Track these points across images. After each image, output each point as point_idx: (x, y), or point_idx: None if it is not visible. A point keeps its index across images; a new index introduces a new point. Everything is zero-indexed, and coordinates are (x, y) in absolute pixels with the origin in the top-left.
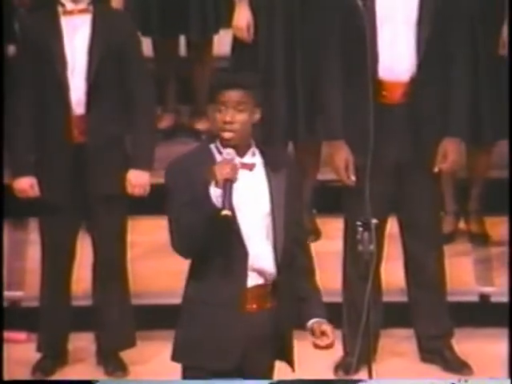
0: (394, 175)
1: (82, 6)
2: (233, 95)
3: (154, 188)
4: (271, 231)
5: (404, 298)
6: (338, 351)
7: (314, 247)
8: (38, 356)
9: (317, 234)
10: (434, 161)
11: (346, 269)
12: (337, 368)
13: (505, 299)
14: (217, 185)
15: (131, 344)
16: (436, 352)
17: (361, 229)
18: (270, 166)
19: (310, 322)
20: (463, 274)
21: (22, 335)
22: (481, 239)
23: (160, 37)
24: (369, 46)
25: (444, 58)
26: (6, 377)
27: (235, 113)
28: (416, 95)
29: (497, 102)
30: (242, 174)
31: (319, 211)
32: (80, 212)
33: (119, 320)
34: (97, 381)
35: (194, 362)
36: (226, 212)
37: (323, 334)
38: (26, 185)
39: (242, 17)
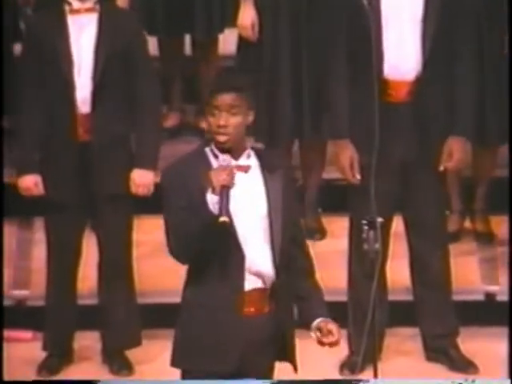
0: (399, 174)
1: (88, 4)
2: (226, 99)
3: (159, 187)
4: (268, 233)
5: (409, 297)
6: (343, 350)
7: (320, 246)
8: (43, 355)
9: (322, 233)
10: (440, 159)
11: (351, 267)
12: (342, 367)
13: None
14: (213, 191)
15: (137, 343)
16: (441, 351)
17: (366, 227)
18: (266, 168)
19: (316, 322)
20: (469, 272)
21: (27, 334)
22: (486, 238)
23: (165, 36)
24: (374, 45)
25: (450, 57)
26: (11, 376)
27: (229, 116)
28: (422, 94)
29: (503, 101)
30: (238, 176)
31: (324, 210)
32: (85, 211)
33: (125, 319)
34: (98, 380)
35: (193, 366)
36: (223, 219)
37: (330, 332)
38: (30, 183)
39: (247, 15)
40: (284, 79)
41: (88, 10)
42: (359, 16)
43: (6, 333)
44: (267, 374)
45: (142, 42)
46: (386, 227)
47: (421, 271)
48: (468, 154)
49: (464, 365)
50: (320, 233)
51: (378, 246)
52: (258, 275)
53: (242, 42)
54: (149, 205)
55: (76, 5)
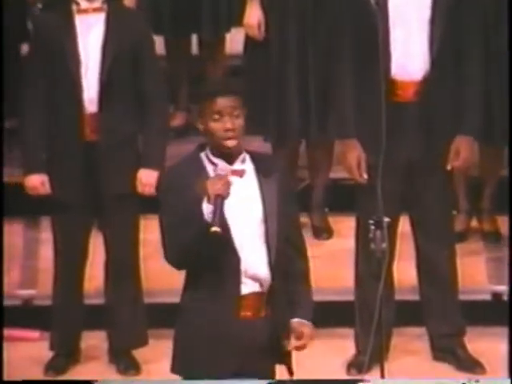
0: (406, 173)
1: (96, 4)
2: (226, 102)
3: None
4: (264, 237)
5: (416, 297)
6: (350, 350)
7: (327, 245)
8: (50, 354)
9: (329, 233)
10: (447, 159)
11: (358, 267)
12: (349, 367)
13: None
14: (209, 200)
15: (143, 342)
16: (448, 350)
17: (373, 227)
18: (261, 172)
19: (293, 321)
20: (475, 272)
21: (34, 334)
22: (493, 238)
23: (172, 36)
24: (381, 45)
25: (457, 56)
26: (18, 375)
27: (233, 119)
28: (429, 94)
29: (509, 101)
30: (233, 181)
31: (331, 209)
32: (92, 210)
33: (131, 318)
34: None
35: (192, 372)
36: (214, 229)
37: (300, 334)
38: (37, 182)
39: (253, 15)
40: (291, 79)
41: (96, 10)
42: (366, 16)
43: (13, 332)
44: (266, 377)
45: (149, 42)
46: (392, 227)
47: (428, 271)
48: (475, 153)
49: (471, 364)
50: (327, 232)
51: (384, 245)
52: (255, 279)
53: (249, 41)
54: (155, 204)
55: (84, 5)
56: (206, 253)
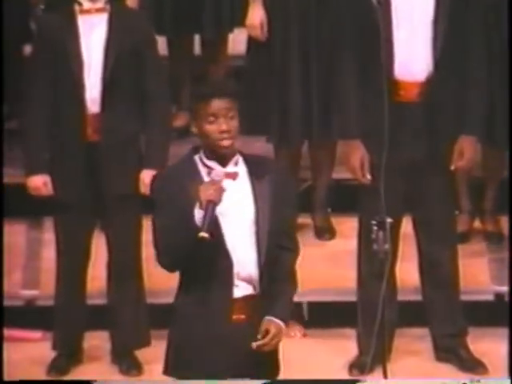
0: (409, 174)
1: (99, 4)
2: (221, 104)
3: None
4: (255, 239)
5: (419, 297)
6: (352, 350)
7: (329, 246)
8: (53, 355)
9: (331, 233)
10: (450, 159)
11: (360, 268)
12: (351, 367)
13: None
14: (200, 206)
15: (146, 343)
16: (451, 351)
17: (376, 228)
18: (255, 175)
19: (264, 318)
20: (478, 273)
21: (37, 334)
22: (496, 238)
23: (175, 36)
24: (384, 45)
25: (460, 57)
26: (20, 376)
27: (227, 121)
28: (432, 94)
29: (509, 102)
30: (226, 183)
31: (334, 210)
32: (94, 211)
33: (134, 319)
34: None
35: (185, 375)
36: (202, 234)
37: (266, 333)
38: (39, 183)
39: (256, 15)
40: (294, 79)
41: (98, 10)
42: (369, 16)
43: (16, 332)
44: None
45: (151, 42)
46: (395, 227)
47: (430, 271)
48: (478, 153)
49: (473, 365)
50: (329, 233)
51: (387, 246)
52: (248, 281)
53: (252, 41)
54: None
55: (86, 5)
56: (198, 256)
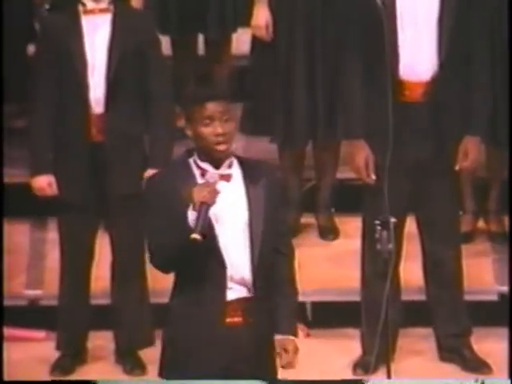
0: (413, 174)
1: (102, 5)
2: (217, 106)
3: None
4: (248, 242)
5: (423, 297)
6: (356, 350)
7: (333, 246)
8: (57, 354)
9: (335, 233)
10: (455, 160)
11: (364, 268)
12: (355, 367)
13: None
14: (194, 207)
15: (150, 342)
16: (455, 351)
17: (379, 227)
18: (249, 178)
19: (277, 338)
20: (482, 273)
21: (41, 334)
22: (500, 238)
23: (178, 35)
24: (388, 46)
25: (465, 57)
26: (24, 376)
27: (223, 123)
28: (437, 94)
29: (509, 102)
30: (220, 185)
31: (338, 210)
32: (99, 211)
33: (138, 319)
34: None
35: (180, 377)
36: (194, 236)
37: (285, 352)
38: (44, 183)
39: (261, 15)
40: (298, 80)
41: (102, 11)
42: (374, 16)
43: (20, 332)
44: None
45: (155, 43)
46: (399, 227)
47: (434, 271)
48: (482, 154)
49: (477, 365)
50: (333, 233)
51: (391, 246)
52: (242, 283)
53: (256, 41)
54: None
55: (90, 5)
56: (191, 257)
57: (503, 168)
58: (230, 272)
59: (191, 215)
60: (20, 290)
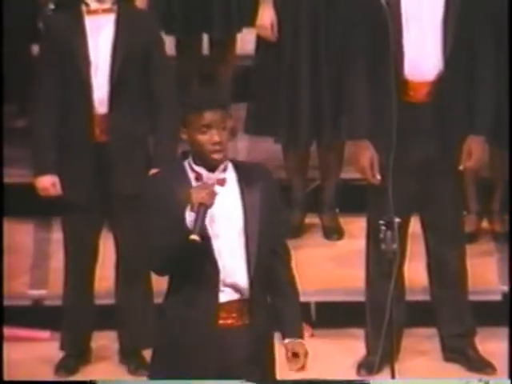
0: (417, 174)
1: (106, 5)
2: (215, 115)
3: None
4: (244, 246)
5: (427, 297)
6: (360, 350)
7: (337, 246)
8: (61, 354)
9: (340, 233)
10: (459, 160)
11: (369, 268)
12: (359, 367)
13: None
14: (192, 208)
15: (154, 343)
16: (459, 351)
17: (384, 228)
18: (244, 180)
19: (285, 342)
20: (486, 273)
21: (45, 334)
22: (504, 238)
23: (183, 35)
24: (393, 46)
25: (470, 57)
26: (26, 375)
27: (220, 132)
28: (442, 94)
29: (509, 102)
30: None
31: (342, 210)
32: (102, 211)
33: (142, 318)
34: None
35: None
36: (193, 237)
37: (295, 356)
38: (47, 183)
39: (266, 16)
40: (303, 80)
41: (105, 11)
42: (378, 16)
43: (24, 332)
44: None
45: (159, 43)
46: (403, 227)
47: (438, 271)
48: (486, 153)
49: (482, 365)
50: (338, 233)
51: (395, 246)
52: (234, 287)
53: (261, 42)
54: None
55: (94, 5)
56: (185, 260)
57: (507, 168)
58: (222, 275)
59: (189, 216)
60: (24, 289)
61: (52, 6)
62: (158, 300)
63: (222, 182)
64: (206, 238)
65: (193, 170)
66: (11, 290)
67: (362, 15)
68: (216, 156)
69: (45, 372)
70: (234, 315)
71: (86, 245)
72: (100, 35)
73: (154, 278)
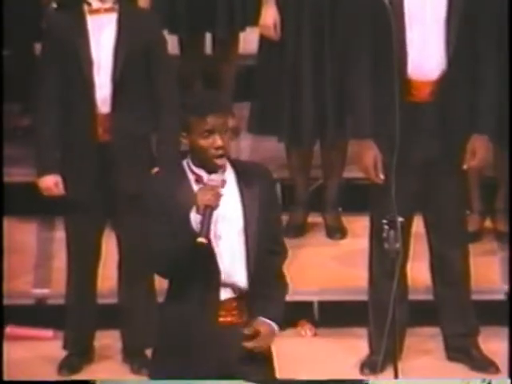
0: (420, 173)
1: (108, 4)
2: (218, 120)
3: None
4: (244, 246)
5: (430, 297)
6: (364, 350)
7: (340, 245)
8: (64, 353)
9: (343, 232)
10: (462, 159)
11: (372, 267)
12: (362, 366)
13: None
14: (198, 211)
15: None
16: (462, 350)
17: (387, 227)
18: (243, 180)
19: (256, 319)
20: (489, 272)
21: (48, 333)
22: (507, 238)
23: (186, 34)
24: (396, 45)
25: (473, 56)
26: (29, 374)
27: (222, 136)
28: (445, 93)
29: (509, 102)
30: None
31: (345, 209)
32: (105, 210)
33: (145, 317)
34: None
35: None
36: (201, 240)
37: (257, 334)
38: (50, 183)
39: (269, 15)
40: (306, 79)
41: (107, 10)
42: (381, 16)
43: (27, 331)
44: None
45: (161, 42)
46: (406, 227)
47: (441, 271)
48: (490, 152)
49: (485, 364)
50: (340, 232)
51: (398, 245)
52: (233, 286)
53: (264, 41)
54: None
55: (96, 5)
56: (188, 261)
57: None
58: (222, 274)
59: (195, 218)
60: (27, 289)
61: (54, 6)
62: (161, 299)
63: (222, 183)
64: (209, 240)
65: (192, 171)
66: (14, 289)
67: (365, 14)
68: (219, 161)
69: (48, 371)
70: (234, 313)
71: (89, 244)
72: (102, 34)
73: (157, 277)
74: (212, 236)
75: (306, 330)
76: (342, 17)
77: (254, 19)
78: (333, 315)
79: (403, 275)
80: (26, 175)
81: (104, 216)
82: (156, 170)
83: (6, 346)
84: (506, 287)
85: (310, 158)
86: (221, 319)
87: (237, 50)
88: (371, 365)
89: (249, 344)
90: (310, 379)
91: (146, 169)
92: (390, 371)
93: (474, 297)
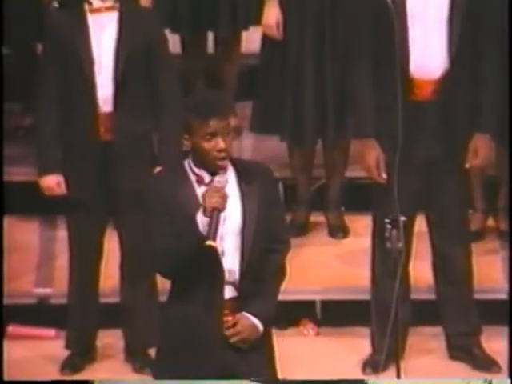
0: (423, 172)
1: (108, 3)
2: (221, 122)
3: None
4: (240, 246)
5: (432, 296)
6: (366, 349)
7: (343, 244)
8: (66, 353)
9: (345, 232)
10: (464, 158)
11: (374, 266)
12: (365, 366)
13: None
14: (205, 213)
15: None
16: (465, 350)
17: (389, 226)
18: (244, 181)
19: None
20: (492, 271)
21: (50, 332)
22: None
23: (188, 33)
24: (398, 44)
25: (475, 55)
26: (31, 373)
27: (224, 138)
28: (447, 92)
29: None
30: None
31: (347, 208)
32: (107, 209)
33: (147, 317)
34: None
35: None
36: (210, 243)
37: (234, 324)
38: (52, 182)
39: (272, 14)
40: (308, 78)
41: (108, 9)
42: (384, 15)
43: (29, 330)
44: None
45: (162, 41)
46: (409, 226)
47: (444, 270)
48: (492, 151)
49: (487, 364)
50: (343, 231)
51: (400, 244)
52: (233, 284)
53: (266, 40)
54: None
55: (96, 4)
56: (192, 261)
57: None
58: (226, 275)
59: (202, 221)
60: (29, 288)
61: (55, 5)
62: (163, 298)
63: (223, 185)
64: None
65: (193, 172)
66: (17, 289)
67: (367, 14)
68: (221, 163)
69: (50, 370)
70: (233, 312)
71: (91, 243)
72: (103, 33)
73: (159, 276)
74: (218, 236)
75: (309, 329)
76: (345, 16)
77: (256, 18)
78: (335, 314)
79: (406, 274)
80: (28, 174)
81: (106, 215)
82: (158, 169)
83: (6, 345)
84: (508, 286)
85: (312, 158)
86: (224, 318)
87: (239, 49)
88: (373, 364)
89: (228, 332)
90: (310, 379)
91: (148, 168)
92: (392, 370)
93: (477, 296)
